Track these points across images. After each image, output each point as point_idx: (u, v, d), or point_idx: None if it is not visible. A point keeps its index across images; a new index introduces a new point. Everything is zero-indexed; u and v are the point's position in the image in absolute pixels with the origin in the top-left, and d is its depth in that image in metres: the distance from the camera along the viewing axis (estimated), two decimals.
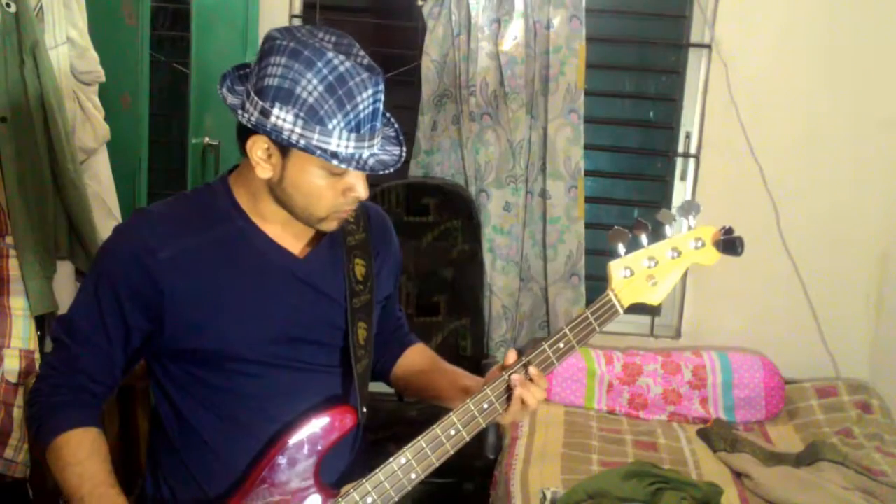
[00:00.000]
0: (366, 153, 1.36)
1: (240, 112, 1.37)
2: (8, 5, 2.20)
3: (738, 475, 2.50)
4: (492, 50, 2.93)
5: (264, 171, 1.38)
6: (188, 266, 1.41)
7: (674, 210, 1.51)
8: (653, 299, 1.51)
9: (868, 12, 2.96)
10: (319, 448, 1.45)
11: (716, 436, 2.71)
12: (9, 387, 2.23)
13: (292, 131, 1.32)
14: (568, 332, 1.48)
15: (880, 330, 3.11)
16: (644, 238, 1.49)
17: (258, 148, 1.37)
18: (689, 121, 3.16)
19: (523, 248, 3.08)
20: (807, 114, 3.03)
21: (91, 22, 2.50)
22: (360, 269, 1.54)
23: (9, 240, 2.27)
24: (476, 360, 2.98)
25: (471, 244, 3.00)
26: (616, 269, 1.49)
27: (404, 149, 1.43)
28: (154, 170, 2.82)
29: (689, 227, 1.51)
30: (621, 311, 1.50)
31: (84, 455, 1.41)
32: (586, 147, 3.03)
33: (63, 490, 1.41)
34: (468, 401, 1.46)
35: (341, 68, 1.31)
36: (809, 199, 3.07)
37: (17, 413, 2.24)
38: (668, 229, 1.51)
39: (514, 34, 2.92)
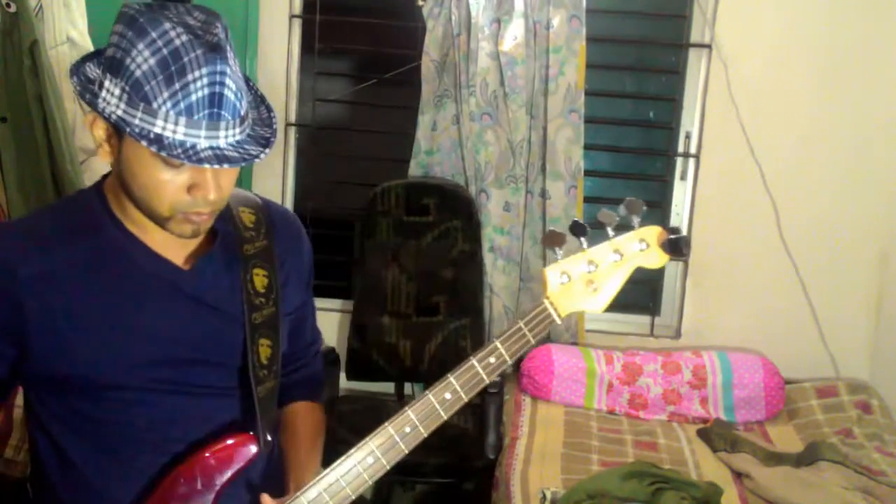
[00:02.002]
0: (203, 143, 1.17)
1: (74, 80, 1.22)
2: (8, 5, 2.20)
3: (738, 475, 2.50)
4: (492, 50, 2.93)
5: (105, 154, 1.24)
6: (54, 284, 1.25)
7: (619, 208, 1.41)
8: (594, 306, 1.39)
9: (868, 12, 2.96)
10: (216, 483, 1.30)
11: (716, 436, 2.71)
12: None
13: (117, 106, 1.17)
14: (500, 346, 1.34)
15: (880, 330, 3.10)
16: (583, 241, 1.38)
17: (97, 127, 1.23)
18: (689, 121, 3.15)
19: (523, 247, 3.08)
20: (807, 114, 3.03)
21: (91, 22, 2.50)
22: (260, 279, 1.37)
23: None
24: None
25: (471, 244, 3.00)
26: (551, 274, 1.36)
27: (267, 150, 1.23)
28: None
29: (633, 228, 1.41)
30: (558, 320, 1.37)
31: None
32: (586, 147, 3.03)
33: None
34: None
35: (177, 41, 1.14)
36: (809, 199, 3.07)
37: (17, 413, 2.24)
38: (609, 231, 1.40)
39: (514, 34, 2.92)
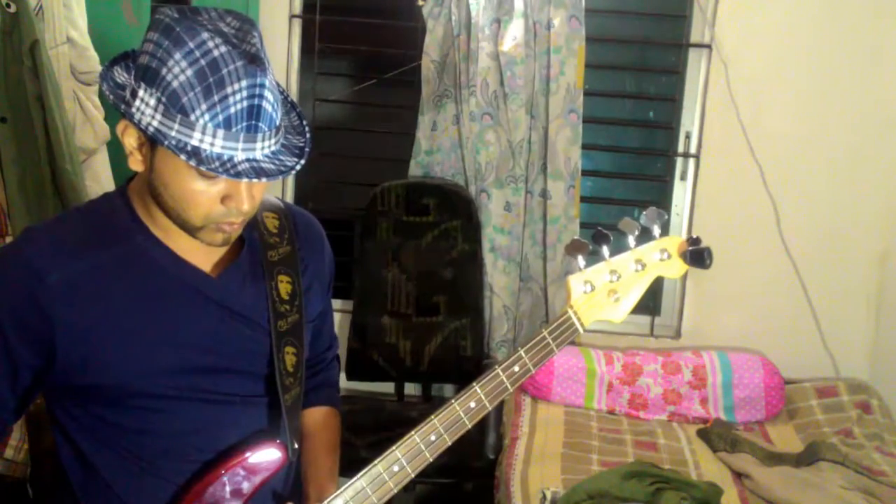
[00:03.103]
0: (240, 156, 1.16)
1: (104, 86, 1.19)
2: (8, 5, 2.20)
3: (738, 475, 2.50)
4: (492, 50, 2.93)
5: (136, 162, 1.22)
6: (81, 291, 1.23)
7: (640, 219, 1.41)
8: (615, 316, 1.41)
9: (868, 12, 2.96)
10: (244, 490, 1.29)
11: (716, 436, 2.71)
12: None
13: (153, 117, 1.15)
14: (524, 355, 1.36)
15: (880, 330, 3.11)
16: (605, 250, 1.38)
17: (129, 135, 1.21)
18: (689, 121, 3.15)
19: (523, 247, 3.08)
20: (807, 114, 3.03)
21: (91, 22, 2.50)
22: (285, 286, 1.37)
23: (9, 240, 2.27)
24: (476, 360, 2.98)
25: (471, 244, 3.00)
26: (575, 283, 1.37)
27: (302, 161, 1.23)
28: None
29: (655, 237, 1.42)
30: (581, 329, 1.39)
31: None
32: (587, 147, 3.03)
33: None
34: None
35: (215, 52, 1.12)
36: (809, 199, 3.07)
37: None
38: (630, 240, 1.40)
39: (514, 34, 2.92)
